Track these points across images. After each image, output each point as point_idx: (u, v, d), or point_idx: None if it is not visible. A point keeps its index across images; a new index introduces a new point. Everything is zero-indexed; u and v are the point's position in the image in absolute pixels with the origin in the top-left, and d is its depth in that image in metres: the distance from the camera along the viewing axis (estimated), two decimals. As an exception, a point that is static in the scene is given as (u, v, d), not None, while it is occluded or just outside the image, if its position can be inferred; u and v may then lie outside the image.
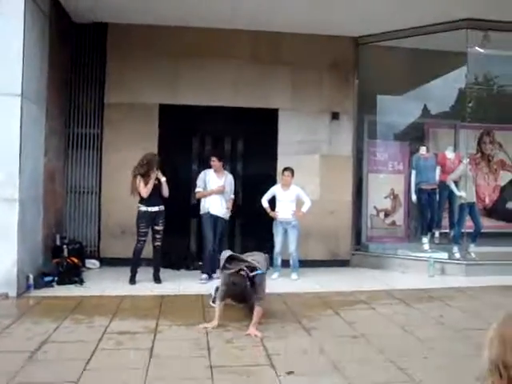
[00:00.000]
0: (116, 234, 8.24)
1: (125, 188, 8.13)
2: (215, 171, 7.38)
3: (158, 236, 6.93)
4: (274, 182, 8.07)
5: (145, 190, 6.85)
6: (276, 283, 7.04)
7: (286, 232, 7.56)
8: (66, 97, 8.17)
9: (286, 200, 7.53)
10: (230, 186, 7.43)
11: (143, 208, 6.88)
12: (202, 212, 7.35)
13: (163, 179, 6.95)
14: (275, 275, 7.59)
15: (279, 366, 3.99)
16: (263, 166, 8.62)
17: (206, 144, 9.01)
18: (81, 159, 8.35)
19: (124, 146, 8.24)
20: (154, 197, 6.90)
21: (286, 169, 7.61)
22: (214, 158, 7.35)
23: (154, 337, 4.69)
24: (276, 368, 3.96)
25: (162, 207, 6.97)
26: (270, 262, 7.85)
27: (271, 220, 7.72)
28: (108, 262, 8.12)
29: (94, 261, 8.16)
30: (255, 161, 8.75)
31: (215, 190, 7.25)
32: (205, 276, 7.22)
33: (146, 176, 6.88)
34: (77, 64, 8.28)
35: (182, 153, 8.62)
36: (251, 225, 8.40)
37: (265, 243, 8.39)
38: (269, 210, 7.60)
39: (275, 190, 7.65)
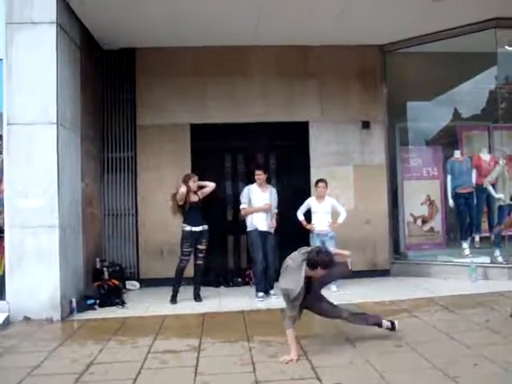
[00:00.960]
0: (154, 255, 8.32)
1: (161, 208, 8.32)
2: (259, 185, 7.34)
3: (200, 255, 7.01)
4: (307, 195, 8.04)
5: (181, 192, 6.93)
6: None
7: (323, 244, 7.50)
8: (99, 122, 8.35)
9: (322, 212, 7.51)
10: (274, 201, 7.41)
11: (187, 228, 6.96)
12: (249, 229, 7.29)
13: (208, 184, 7.12)
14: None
15: (325, 378, 3.96)
16: (296, 180, 8.61)
17: (238, 161, 9.06)
18: (116, 182, 8.48)
19: (158, 167, 8.37)
20: (197, 216, 6.97)
21: (319, 180, 7.59)
22: (258, 172, 7.29)
23: (198, 354, 4.71)
24: (322, 381, 3.93)
25: (205, 226, 7.05)
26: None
27: (308, 233, 7.68)
28: (147, 283, 8.20)
29: (134, 282, 8.25)
30: (288, 175, 8.75)
31: (262, 208, 7.21)
32: (261, 294, 7.20)
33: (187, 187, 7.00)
34: (108, 89, 8.46)
35: (215, 171, 8.67)
36: (288, 239, 8.34)
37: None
38: (305, 222, 7.58)
39: (310, 203, 7.64)
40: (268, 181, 7.52)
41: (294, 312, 4.45)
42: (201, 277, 7.17)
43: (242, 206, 7.35)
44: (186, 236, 6.93)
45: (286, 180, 8.78)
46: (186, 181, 7.07)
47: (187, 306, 6.78)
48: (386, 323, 4.98)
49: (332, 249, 4.67)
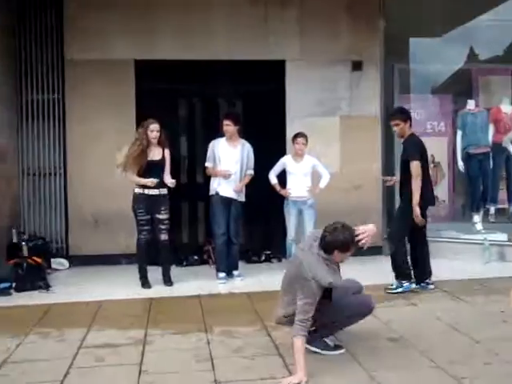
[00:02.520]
0: (88, 226, 8.26)
1: (97, 166, 8.19)
2: (228, 139, 7.27)
3: (162, 227, 6.94)
4: (282, 153, 8.03)
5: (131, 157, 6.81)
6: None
7: (300, 214, 7.54)
8: (12, 54, 8.10)
9: (300, 173, 7.51)
10: (248, 160, 7.34)
11: (138, 190, 6.85)
12: (210, 193, 7.30)
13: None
14: None
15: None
16: (269, 133, 8.55)
17: (195, 108, 8.95)
18: (39, 133, 8.31)
19: (93, 115, 8.22)
20: (155, 177, 6.86)
21: (297, 135, 7.55)
22: (227, 122, 7.19)
23: (143, 349, 4.70)
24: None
25: (163, 190, 6.94)
26: (283, 252, 7.93)
27: (281, 200, 7.68)
28: (79, 261, 8.14)
29: (61, 260, 8.18)
30: (258, 127, 8.66)
31: (220, 173, 7.17)
32: (222, 275, 7.22)
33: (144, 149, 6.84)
34: (26, 11, 8.19)
35: (166, 120, 8.52)
36: (256, 207, 8.36)
37: (274, 229, 8.40)
38: (278, 187, 7.58)
39: (285, 162, 7.62)
40: (241, 134, 7.42)
41: (311, 313, 4.08)
42: (169, 254, 7.15)
43: (206, 164, 7.31)
44: (138, 200, 6.84)
45: (255, 134, 8.68)
46: (143, 129, 6.87)
47: (132, 289, 6.79)
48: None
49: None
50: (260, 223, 8.87)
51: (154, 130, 6.83)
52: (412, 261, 6.54)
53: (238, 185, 7.23)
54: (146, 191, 6.81)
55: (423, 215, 6.38)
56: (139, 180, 6.77)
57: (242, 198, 7.34)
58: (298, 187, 7.49)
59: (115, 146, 7.99)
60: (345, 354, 4.46)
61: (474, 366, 4.15)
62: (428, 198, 6.47)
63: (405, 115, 6.51)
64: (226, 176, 7.13)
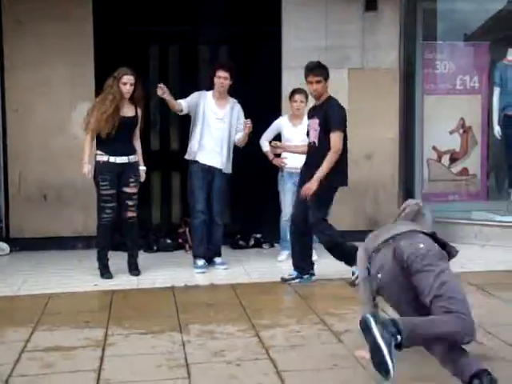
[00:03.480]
0: (34, 203, 8.24)
1: (44, 127, 8.14)
2: (217, 96, 7.24)
3: (130, 203, 6.94)
4: (277, 114, 8.01)
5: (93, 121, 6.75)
6: (286, 267, 7.07)
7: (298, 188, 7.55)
8: None
9: (297, 139, 7.49)
10: (236, 121, 7.35)
11: (104, 158, 6.81)
12: (187, 157, 7.29)
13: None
14: (284, 255, 7.67)
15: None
16: (260, 89, 8.52)
17: (170, 56, 8.92)
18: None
19: (39, 61, 8.14)
20: (123, 140, 6.82)
21: (296, 91, 7.54)
22: (223, 73, 7.16)
23: (103, 353, 4.70)
24: None
25: (133, 157, 6.92)
26: (275, 235, 7.95)
27: (275, 172, 7.67)
28: (23, 245, 8.16)
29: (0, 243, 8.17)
30: (247, 80, 8.65)
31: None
32: (201, 262, 7.24)
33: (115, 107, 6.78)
34: None
35: (135, 72, 8.49)
36: (244, 180, 8.36)
37: (266, 207, 8.40)
38: (271, 155, 7.59)
39: (281, 125, 7.62)
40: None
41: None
42: (136, 236, 7.17)
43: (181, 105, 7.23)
44: (102, 170, 6.82)
45: (244, 89, 8.68)
46: (115, 81, 6.78)
47: (89, 280, 6.80)
48: None
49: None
50: (249, 200, 8.87)
51: (127, 82, 6.79)
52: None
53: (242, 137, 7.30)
54: (112, 159, 6.78)
55: (331, 198, 6.56)
56: (85, 156, 6.71)
57: (229, 169, 7.33)
58: (295, 156, 7.47)
59: (68, 102, 7.96)
60: (343, 349, 4.50)
61: (504, 375, 4.18)
62: (343, 177, 6.67)
63: (326, 71, 6.70)
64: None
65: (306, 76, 6.61)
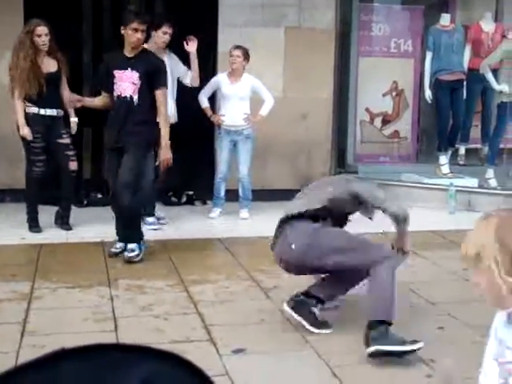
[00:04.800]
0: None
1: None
2: (157, 49, 6.95)
3: (68, 153, 6.81)
4: (212, 72, 7.95)
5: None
6: (218, 224, 7.19)
7: (234, 146, 7.56)
8: None
9: (236, 97, 7.49)
10: (180, 70, 7.28)
11: (33, 109, 6.63)
12: None
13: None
14: (216, 212, 7.66)
15: (221, 342, 4.08)
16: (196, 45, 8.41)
17: (104, 11, 8.77)
18: None
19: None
20: (52, 93, 6.63)
21: (235, 47, 7.48)
22: (166, 29, 7.01)
23: (29, 305, 4.68)
24: (218, 345, 4.04)
25: (61, 112, 6.79)
26: (209, 193, 7.93)
27: (210, 128, 7.62)
28: None
29: None
30: (183, 36, 8.53)
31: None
32: (151, 219, 7.15)
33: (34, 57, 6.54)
34: None
35: (67, 26, 8.30)
36: (178, 135, 8.28)
37: (199, 164, 8.36)
38: (210, 112, 7.58)
39: (219, 81, 7.56)
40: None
41: None
42: (71, 190, 7.06)
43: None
44: (30, 122, 6.64)
45: (179, 45, 8.58)
46: (28, 35, 6.55)
47: (16, 233, 6.69)
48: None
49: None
50: (183, 156, 8.78)
51: (41, 33, 6.56)
52: None
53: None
54: (43, 111, 6.63)
55: None
56: (20, 119, 6.54)
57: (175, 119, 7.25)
58: (233, 114, 7.47)
59: None
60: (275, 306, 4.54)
61: (425, 331, 4.29)
62: None
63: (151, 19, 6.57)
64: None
65: (131, 22, 5.81)
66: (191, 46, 7.32)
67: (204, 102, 7.55)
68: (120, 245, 5.96)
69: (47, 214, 6.98)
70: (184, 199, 8.50)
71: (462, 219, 7.69)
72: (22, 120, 6.55)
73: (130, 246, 5.82)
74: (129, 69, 5.81)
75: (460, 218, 7.80)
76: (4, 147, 7.70)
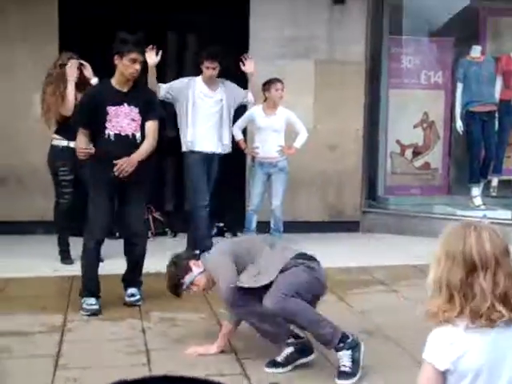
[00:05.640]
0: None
1: (7, 109, 8.00)
2: (207, 82, 7.17)
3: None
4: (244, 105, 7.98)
5: (69, 103, 6.51)
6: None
7: (268, 178, 7.55)
8: None
9: (270, 129, 7.48)
10: (233, 98, 7.34)
11: (62, 142, 6.66)
12: (184, 148, 7.18)
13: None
14: None
15: (255, 377, 4.03)
16: (227, 78, 8.36)
17: (138, 40, 8.77)
18: None
19: (5, 40, 8.03)
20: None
21: (273, 80, 7.47)
22: (212, 64, 7.06)
23: (61, 338, 4.67)
24: (252, 380, 4.01)
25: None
26: (240, 224, 7.92)
27: (241, 160, 7.65)
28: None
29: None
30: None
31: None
32: None
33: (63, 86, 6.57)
34: None
35: (101, 60, 8.32)
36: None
37: (230, 195, 8.31)
38: (243, 144, 7.61)
39: (254, 114, 7.54)
40: (179, 75, 7.34)
41: None
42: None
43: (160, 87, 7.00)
44: (59, 155, 6.69)
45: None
46: (58, 67, 6.62)
47: (48, 265, 6.68)
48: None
49: None
50: (213, 188, 8.77)
51: (73, 65, 6.61)
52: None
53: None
54: (72, 144, 6.49)
55: None
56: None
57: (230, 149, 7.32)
58: (267, 146, 7.47)
59: (32, 85, 7.79)
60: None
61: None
62: None
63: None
64: None
65: (129, 52, 5.33)
66: (248, 66, 7.33)
67: (238, 134, 7.54)
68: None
69: (80, 245, 6.95)
70: (214, 231, 8.43)
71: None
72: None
73: (131, 290, 5.58)
74: (125, 104, 5.35)
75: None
76: (36, 179, 7.75)
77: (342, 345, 4.02)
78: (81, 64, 6.69)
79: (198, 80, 7.20)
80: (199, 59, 7.24)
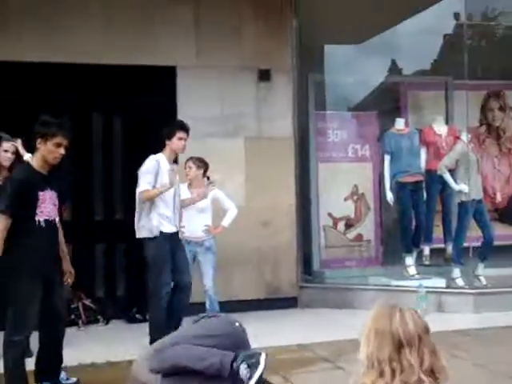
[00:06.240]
0: None
1: None
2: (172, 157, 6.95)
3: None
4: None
5: None
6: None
7: (194, 259, 7.41)
8: None
9: (195, 208, 7.37)
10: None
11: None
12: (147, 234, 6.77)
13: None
14: None
15: None
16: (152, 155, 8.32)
17: (63, 124, 8.62)
18: None
19: None
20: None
21: (188, 159, 7.48)
22: (184, 134, 6.84)
23: None
24: None
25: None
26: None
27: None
28: None
29: None
30: (142, 149, 8.43)
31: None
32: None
33: None
34: None
35: (27, 139, 8.13)
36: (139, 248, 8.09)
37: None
38: None
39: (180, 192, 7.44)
40: (107, 158, 7.15)
41: None
42: None
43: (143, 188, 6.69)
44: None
45: (139, 157, 8.48)
46: None
47: None
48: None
49: None
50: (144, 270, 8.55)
51: (8, 149, 6.38)
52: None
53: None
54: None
55: None
56: None
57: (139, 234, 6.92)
58: (192, 225, 7.35)
59: None
60: None
61: None
62: None
63: None
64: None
65: (54, 136, 5.07)
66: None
67: None
68: None
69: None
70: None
71: (434, 320, 7.48)
72: None
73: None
74: (48, 188, 5.11)
75: (432, 319, 7.55)
76: None
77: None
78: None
79: (162, 155, 6.89)
80: (167, 132, 6.93)
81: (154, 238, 6.67)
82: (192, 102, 8.51)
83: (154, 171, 6.70)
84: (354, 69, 9.71)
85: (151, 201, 6.65)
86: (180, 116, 8.41)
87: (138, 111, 8.53)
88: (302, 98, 9.08)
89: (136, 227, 6.73)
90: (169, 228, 6.73)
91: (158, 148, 8.31)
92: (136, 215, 6.72)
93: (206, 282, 7.41)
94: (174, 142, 6.81)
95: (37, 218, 5.02)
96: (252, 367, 4.23)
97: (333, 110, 9.67)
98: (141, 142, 8.43)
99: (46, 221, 5.06)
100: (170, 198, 6.78)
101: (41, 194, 5.04)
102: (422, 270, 8.95)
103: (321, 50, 9.60)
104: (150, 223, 6.67)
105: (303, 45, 8.88)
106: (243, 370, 4.21)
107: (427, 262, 9.30)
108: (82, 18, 8.18)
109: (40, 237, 5.01)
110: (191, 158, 7.47)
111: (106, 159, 8.64)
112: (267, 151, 8.69)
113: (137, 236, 6.73)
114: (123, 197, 8.58)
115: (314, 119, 9.40)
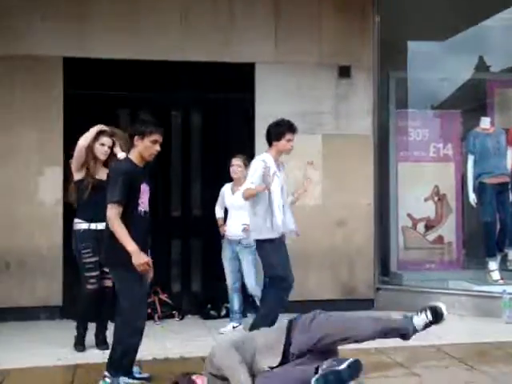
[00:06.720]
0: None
1: (9, 192, 7.91)
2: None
3: (106, 269, 6.36)
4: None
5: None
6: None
7: (236, 257, 7.49)
8: None
9: (234, 207, 7.43)
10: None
11: (84, 225, 6.45)
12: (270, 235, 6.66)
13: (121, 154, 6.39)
14: (228, 327, 7.38)
15: None
16: (233, 153, 8.28)
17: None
18: None
19: (7, 126, 7.95)
20: (101, 204, 6.20)
21: (235, 157, 7.48)
22: (292, 136, 6.71)
23: None
24: None
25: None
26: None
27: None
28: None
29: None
30: (221, 145, 8.57)
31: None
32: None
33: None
34: None
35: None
36: (215, 245, 8.12)
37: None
38: (220, 222, 7.73)
39: (224, 192, 7.63)
40: (185, 155, 7.14)
41: None
42: (110, 307, 6.57)
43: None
44: (83, 237, 6.45)
45: (216, 153, 8.57)
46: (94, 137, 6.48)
47: (51, 353, 6.34)
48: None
49: None
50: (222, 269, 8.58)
51: (105, 143, 6.52)
52: None
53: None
54: (94, 225, 6.40)
55: None
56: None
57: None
58: (232, 224, 7.48)
59: (35, 167, 7.80)
60: None
61: None
62: None
63: None
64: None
65: (151, 134, 5.35)
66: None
67: (217, 212, 7.68)
68: None
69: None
70: (223, 312, 8.23)
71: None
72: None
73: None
74: (144, 182, 5.40)
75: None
76: (40, 263, 7.62)
77: None
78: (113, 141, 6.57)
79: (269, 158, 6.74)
80: (276, 133, 6.78)
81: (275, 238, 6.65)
82: (270, 98, 8.53)
83: (260, 172, 6.60)
84: (438, 66, 9.61)
85: (266, 203, 6.61)
86: (258, 113, 8.54)
87: (216, 108, 8.63)
88: (382, 95, 9.01)
89: (253, 228, 6.70)
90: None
91: (236, 144, 8.42)
92: (251, 217, 6.75)
93: (248, 283, 7.41)
94: (283, 144, 6.69)
95: (139, 209, 5.27)
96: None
97: (414, 108, 9.56)
98: (219, 139, 8.60)
99: (145, 212, 5.33)
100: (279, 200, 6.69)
101: (143, 186, 5.32)
102: (506, 275, 8.72)
103: (403, 46, 9.48)
104: (273, 224, 6.59)
105: (384, 41, 8.78)
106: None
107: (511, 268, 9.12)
108: (158, 11, 8.28)
109: (141, 227, 5.28)
110: (239, 156, 7.46)
111: (184, 155, 8.67)
112: (345, 149, 8.65)
113: (256, 238, 6.68)
114: (200, 193, 8.68)
115: (394, 117, 9.30)
